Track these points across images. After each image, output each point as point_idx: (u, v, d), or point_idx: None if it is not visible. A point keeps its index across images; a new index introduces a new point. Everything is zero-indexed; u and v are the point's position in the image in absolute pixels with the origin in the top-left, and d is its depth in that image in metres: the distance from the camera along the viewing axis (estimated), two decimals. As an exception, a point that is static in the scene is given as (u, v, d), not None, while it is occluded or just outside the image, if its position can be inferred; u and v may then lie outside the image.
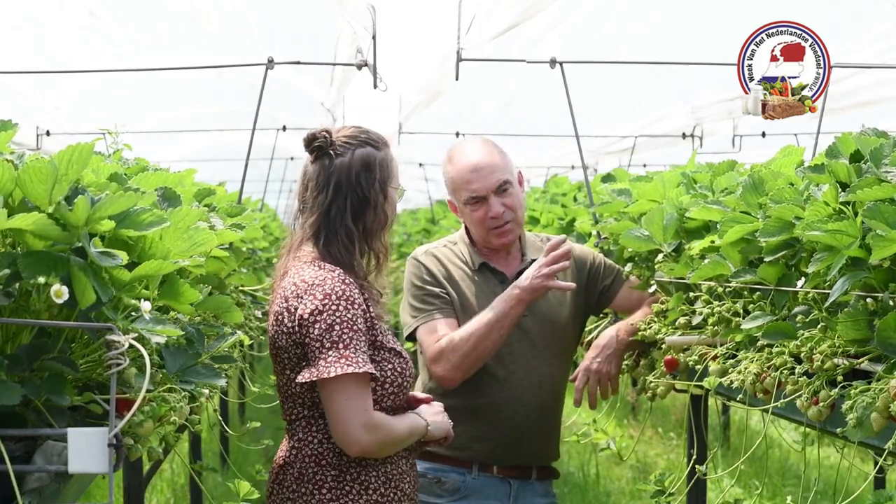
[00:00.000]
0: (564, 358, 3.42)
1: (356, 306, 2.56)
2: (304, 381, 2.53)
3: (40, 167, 1.69)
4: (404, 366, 2.68)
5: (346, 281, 2.59)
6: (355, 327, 2.54)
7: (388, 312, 2.80)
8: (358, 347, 2.52)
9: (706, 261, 2.89)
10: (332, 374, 2.49)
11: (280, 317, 2.59)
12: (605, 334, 3.37)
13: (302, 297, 2.57)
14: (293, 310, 2.57)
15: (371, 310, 2.64)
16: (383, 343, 2.65)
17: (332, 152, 2.67)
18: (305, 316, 2.54)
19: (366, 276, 2.68)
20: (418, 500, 2.80)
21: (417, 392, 2.88)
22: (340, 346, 2.51)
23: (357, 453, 2.58)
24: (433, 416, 2.76)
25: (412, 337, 3.33)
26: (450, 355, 3.19)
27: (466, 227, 3.43)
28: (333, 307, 2.54)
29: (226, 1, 5.47)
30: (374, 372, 2.54)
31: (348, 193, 2.66)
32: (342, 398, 2.52)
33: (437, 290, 3.29)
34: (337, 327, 2.52)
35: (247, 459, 2.74)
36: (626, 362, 3.47)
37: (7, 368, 1.69)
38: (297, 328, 2.56)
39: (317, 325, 2.52)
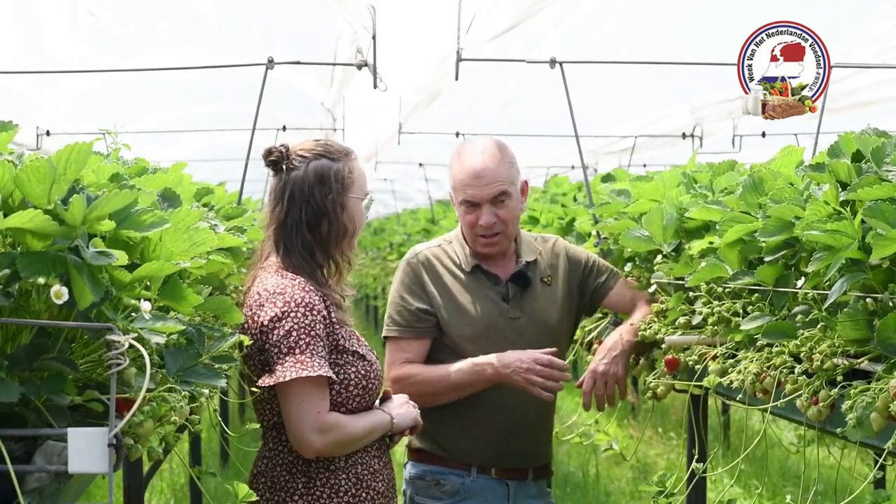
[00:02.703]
0: (559, 354, 3.42)
1: (315, 313, 2.63)
2: (263, 385, 2.60)
3: (39, 167, 1.69)
4: (369, 368, 2.73)
5: (307, 288, 2.66)
6: (313, 333, 2.60)
7: (353, 316, 2.86)
8: (315, 352, 2.58)
9: (703, 264, 2.89)
10: (287, 378, 2.56)
11: (245, 324, 2.66)
12: (611, 337, 3.36)
13: (263, 305, 2.64)
14: (256, 318, 2.65)
15: (333, 315, 2.70)
16: (346, 347, 2.71)
17: (285, 166, 2.75)
18: (265, 322, 2.62)
19: (328, 283, 2.73)
20: (394, 496, 2.85)
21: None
22: (297, 351, 2.58)
23: (312, 455, 2.65)
24: (398, 408, 2.83)
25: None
26: (406, 387, 3.20)
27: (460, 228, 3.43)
28: (292, 314, 2.61)
29: (226, 1, 5.46)
30: (330, 375, 2.61)
31: (302, 205, 2.74)
32: (296, 402, 2.59)
33: (415, 305, 3.29)
34: (294, 333, 2.59)
35: (247, 460, 2.74)
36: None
37: (7, 368, 1.69)
38: (258, 335, 2.63)
39: (275, 332, 2.60)
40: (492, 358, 3.20)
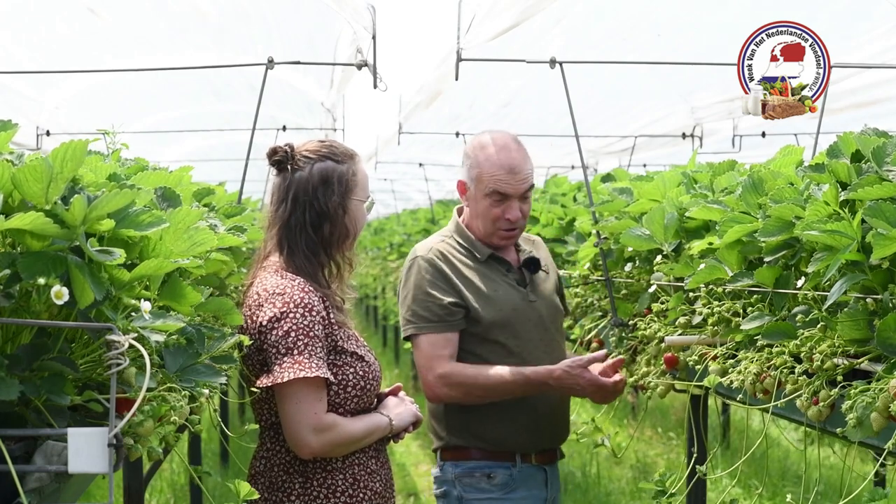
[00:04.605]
0: (564, 335, 3.56)
1: (314, 313, 2.62)
2: (261, 385, 2.60)
3: (35, 166, 1.69)
4: (367, 369, 2.73)
5: (307, 289, 2.65)
6: (311, 334, 2.60)
7: (353, 318, 2.86)
8: (313, 353, 2.58)
9: (703, 265, 2.89)
10: (285, 379, 2.56)
11: (244, 324, 2.65)
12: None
13: (263, 306, 2.64)
14: (255, 318, 2.64)
15: (333, 317, 2.69)
16: (345, 348, 2.70)
17: (290, 167, 2.74)
18: (264, 323, 2.61)
19: (329, 285, 2.73)
20: (392, 495, 2.86)
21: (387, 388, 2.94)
22: (295, 352, 2.57)
23: (308, 456, 2.64)
24: (395, 407, 2.82)
25: (409, 338, 3.35)
26: (455, 387, 3.25)
27: (459, 221, 3.43)
28: (291, 314, 2.60)
29: (226, 1, 5.46)
30: (327, 376, 2.61)
31: (306, 206, 2.73)
32: (293, 402, 2.59)
33: (446, 300, 3.28)
34: (293, 334, 2.58)
35: (247, 459, 2.74)
36: (621, 355, 3.49)
37: (7, 368, 1.69)
38: (257, 335, 2.63)
39: (274, 332, 2.60)
40: (546, 377, 3.24)
